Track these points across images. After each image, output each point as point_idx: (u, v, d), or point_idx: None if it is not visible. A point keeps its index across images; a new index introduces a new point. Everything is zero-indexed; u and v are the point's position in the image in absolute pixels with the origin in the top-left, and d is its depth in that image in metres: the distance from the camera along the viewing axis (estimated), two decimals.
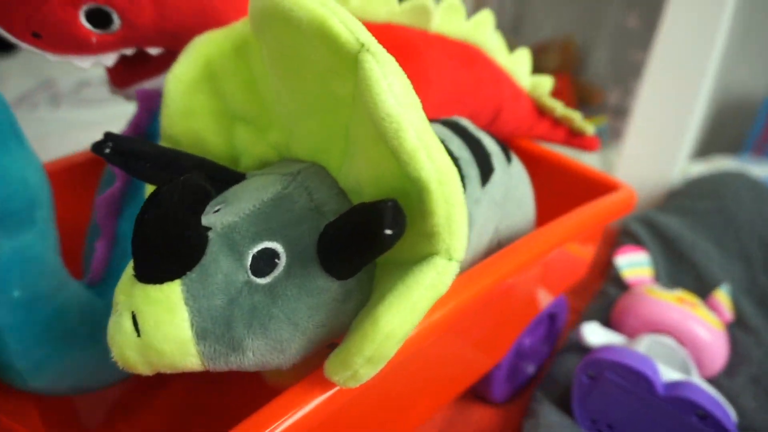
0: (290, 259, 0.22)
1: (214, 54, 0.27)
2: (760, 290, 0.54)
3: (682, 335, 0.43)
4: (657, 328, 0.44)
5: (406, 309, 0.19)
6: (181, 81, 0.27)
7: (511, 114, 0.43)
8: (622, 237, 0.62)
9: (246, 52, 0.26)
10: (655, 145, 0.71)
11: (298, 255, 0.22)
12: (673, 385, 0.36)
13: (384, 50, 0.20)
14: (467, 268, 0.29)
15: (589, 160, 0.92)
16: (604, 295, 0.54)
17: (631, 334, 0.46)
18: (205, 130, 0.28)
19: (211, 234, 0.21)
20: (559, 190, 0.43)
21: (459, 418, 0.42)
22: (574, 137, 0.48)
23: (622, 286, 0.54)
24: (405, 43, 0.35)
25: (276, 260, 0.22)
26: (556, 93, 1.17)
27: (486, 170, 0.32)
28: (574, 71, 1.19)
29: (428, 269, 0.20)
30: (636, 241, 0.59)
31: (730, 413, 0.37)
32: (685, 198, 0.66)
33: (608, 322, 0.49)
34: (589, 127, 0.47)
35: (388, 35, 0.34)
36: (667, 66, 0.69)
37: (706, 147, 0.99)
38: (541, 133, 0.46)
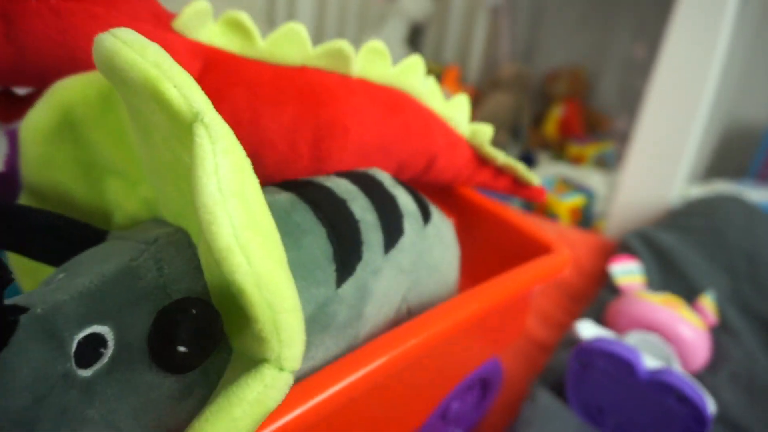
0: (118, 348, 0.18)
1: (76, 101, 0.24)
2: (744, 299, 0.59)
3: (667, 333, 0.49)
4: (645, 326, 0.49)
5: (224, 427, 0.17)
6: (35, 129, 0.24)
7: (447, 162, 0.40)
8: (620, 250, 0.67)
9: (113, 100, 0.24)
10: (654, 169, 0.77)
11: (128, 344, 0.18)
12: (655, 372, 0.42)
13: (221, 121, 0.18)
14: (369, 339, 0.28)
15: (594, 183, 0.98)
16: (599, 301, 0.59)
17: (622, 332, 0.51)
18: (70, 183, 0.25)
19: (24, 318, 0.17)
20: (495, 246, 0.42)
21: None
22: (519, 187, 0.45)
23: (617, 292, 0.59)
24: (319, 88, 0.32)
25: (102, 349, 0.18)
26: (566, 119, 1.23)
27: (393, 234, 0.30)
28: (584, 98, 1.25)
29: (254, 382, 0.17)
30: (632, 253, 0.64)
31: (706, 399, 0.42)
32: (681, 216, 0.71)
33: (602, 323, 0.54)
34: (534, 178, 0.45)
35: (301, 79, 0.32)
36: (666, 94, 0.75)
37: (712, 172, 1.04)
38: (482, 181, 0.44)
